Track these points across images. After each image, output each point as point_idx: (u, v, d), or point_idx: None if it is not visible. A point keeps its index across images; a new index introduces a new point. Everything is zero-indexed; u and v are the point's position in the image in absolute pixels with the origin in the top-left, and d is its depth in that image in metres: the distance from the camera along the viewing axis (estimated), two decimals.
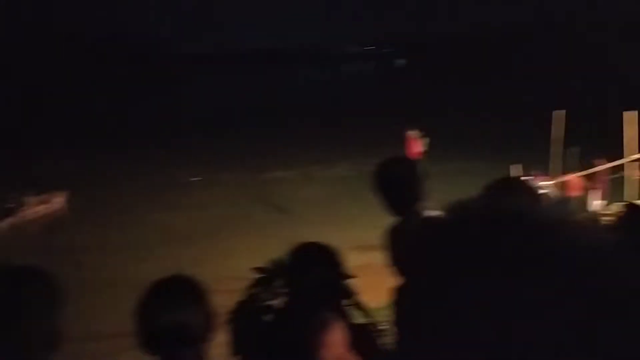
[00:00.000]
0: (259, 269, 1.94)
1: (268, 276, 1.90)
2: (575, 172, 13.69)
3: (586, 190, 13.61)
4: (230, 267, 9.01)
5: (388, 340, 2.07)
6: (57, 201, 16.25)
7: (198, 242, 12.68)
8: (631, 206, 4.16)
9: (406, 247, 1.77)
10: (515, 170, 13.26)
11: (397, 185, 2.38)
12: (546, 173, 13.53)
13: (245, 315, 1.82)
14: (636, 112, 12.60)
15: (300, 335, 1.55)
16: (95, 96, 49.67)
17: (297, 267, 1.94)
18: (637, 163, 12.20)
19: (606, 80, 38.00)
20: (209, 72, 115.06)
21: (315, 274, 1.90)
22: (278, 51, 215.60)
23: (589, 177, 13.55)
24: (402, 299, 1.26)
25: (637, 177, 11.72)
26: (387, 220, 2.46)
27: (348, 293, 1.94)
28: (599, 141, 15.03)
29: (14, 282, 1.71)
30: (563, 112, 13.40)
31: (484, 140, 21.85)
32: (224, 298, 2.01)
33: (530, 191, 2.23)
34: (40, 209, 15.78)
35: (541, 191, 13.09)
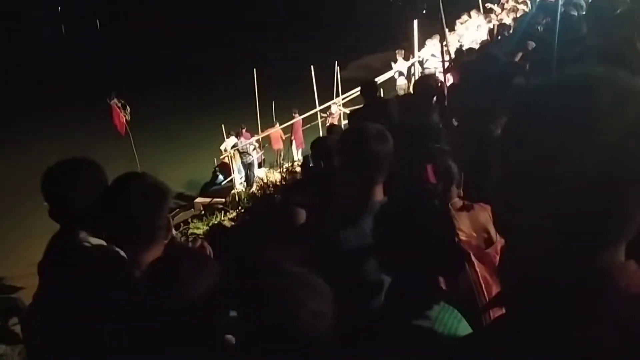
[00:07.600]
0: None
1: None
2: (274, 127, 14.91)
3: (288, 141, 14.98)
4: None
5: None
6: None
7: None
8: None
9: None
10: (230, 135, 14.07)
11: None
12: (250, 131, 14.46)
13: None
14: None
15: None
16: None
17: None
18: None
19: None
20: None
21: None
22: None
23: (288, 130, 14.90)
24: None
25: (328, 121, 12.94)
26: None
27: None
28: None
29: None
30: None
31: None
32: None
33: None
34: None
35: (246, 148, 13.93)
